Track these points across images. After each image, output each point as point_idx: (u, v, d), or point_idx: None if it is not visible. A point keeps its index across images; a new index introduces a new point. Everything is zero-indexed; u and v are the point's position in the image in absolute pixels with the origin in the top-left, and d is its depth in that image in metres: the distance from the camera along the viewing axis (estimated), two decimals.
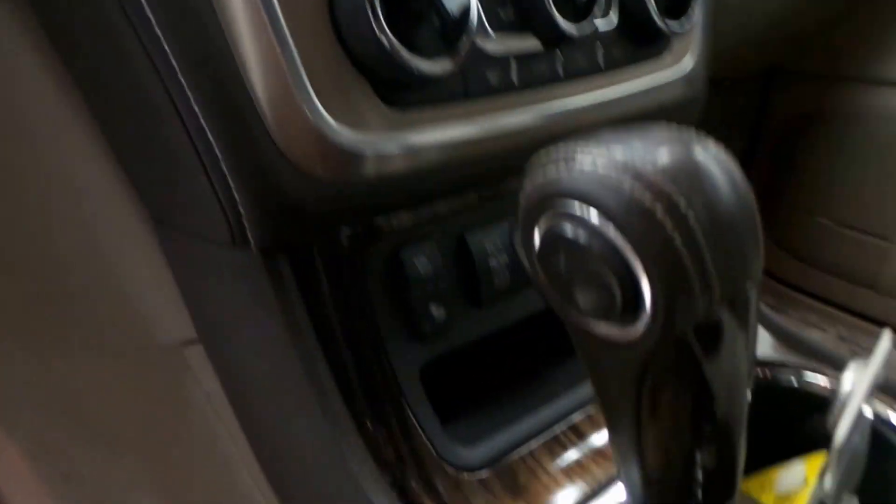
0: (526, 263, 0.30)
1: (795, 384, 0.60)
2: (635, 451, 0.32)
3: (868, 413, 0.43)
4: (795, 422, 0.61)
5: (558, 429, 0.53)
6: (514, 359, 0.60)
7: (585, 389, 0.56)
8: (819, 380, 0.60)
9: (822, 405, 0.59)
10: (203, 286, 0.48)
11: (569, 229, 0.25)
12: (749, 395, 0.32)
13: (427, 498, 0.45)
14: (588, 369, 0.32)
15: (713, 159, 0.24)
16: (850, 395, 0.38)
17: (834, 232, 1.35)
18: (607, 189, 0.23)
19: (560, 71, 0.44)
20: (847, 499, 0.48)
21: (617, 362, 0.29)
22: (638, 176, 0.23)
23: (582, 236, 0.24)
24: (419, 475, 0.46)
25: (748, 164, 1.27)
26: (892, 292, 1.10)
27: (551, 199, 0.25)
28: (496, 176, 0.48)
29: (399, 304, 0.47)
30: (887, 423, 0.53)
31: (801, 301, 1.17)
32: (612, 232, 0.23)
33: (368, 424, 0.46)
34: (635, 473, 0.33)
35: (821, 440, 0.58)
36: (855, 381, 0.38)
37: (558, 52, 0.44)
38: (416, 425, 0.47)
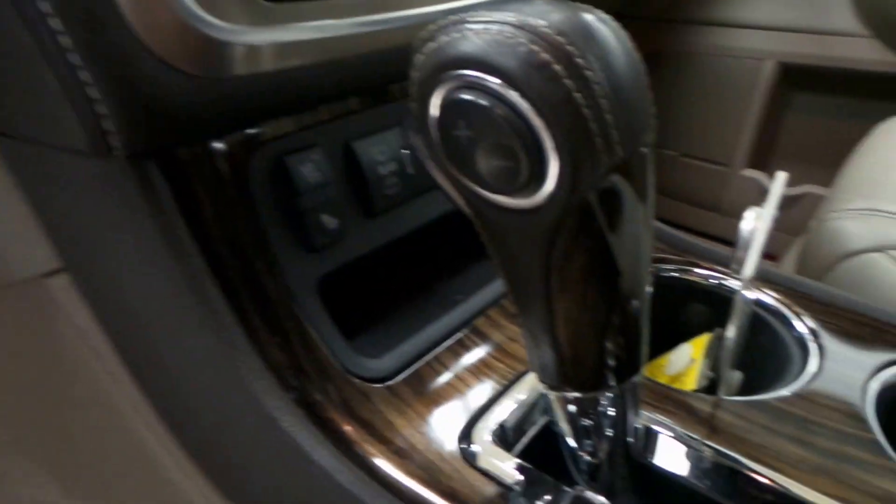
0: (422, 147, 0.29)
1: (677, 276, 0.64)
2: (547, 329, 0.32)
3: (750, 295, 0.46)
4: (678, 311, 0.65)
5: (461, 333, 0.53)
6: (413, 269, 0.59)
7: (485, 295, 0.57)
8: (697, 271, 0.64)
9: (701, 293, 0.64)
10: (63, 205, 0.43)
11: (468, 95, 0.24)
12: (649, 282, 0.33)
13: (335, 412, 0.44)
14: (496, 253, 0.31)
15: (603, 22, 0.24)
16: (752, 232, 0.40)
17: (679, 162, 1.48)
18: (504, 49, 0.23)
19: None
20: (730, 373, 0.51)
21: (525, 237, 0.29)
22: (534, 33, 0.23)
23: (482, 100, 0.24)
24: (325, 390, 0.44)
25: None
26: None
27: (447, 68, 0.25)
28: (375, 79, 0.47)
29: (288, 215, 0.45)
30: (761, 303, 0.57)
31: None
32: (511, 92, 0.23)
33: (266, 342, 0.43)
34: (548, 354, 0.34)
35: (703, 326, 0.62)
36: (756, 219, 0.40)
37: None
38: (318, 340, 0.45)
